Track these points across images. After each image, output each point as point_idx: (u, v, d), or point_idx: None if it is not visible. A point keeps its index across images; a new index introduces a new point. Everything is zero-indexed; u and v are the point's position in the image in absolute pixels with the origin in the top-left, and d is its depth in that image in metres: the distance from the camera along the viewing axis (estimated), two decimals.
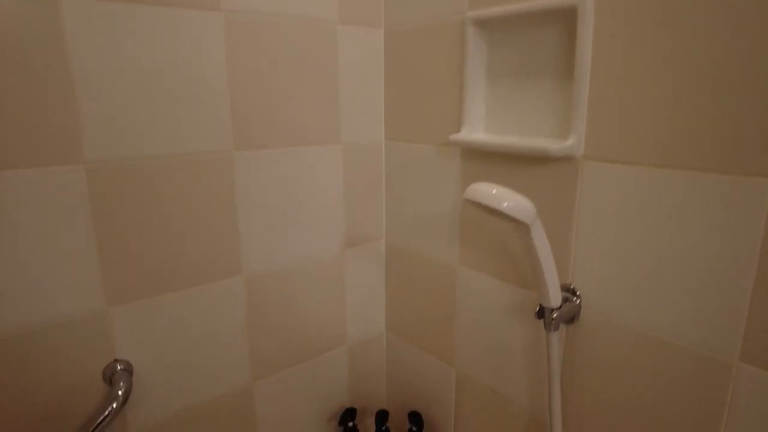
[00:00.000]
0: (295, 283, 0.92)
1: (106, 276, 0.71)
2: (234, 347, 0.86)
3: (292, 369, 0.95)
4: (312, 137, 0.88)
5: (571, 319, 0.72)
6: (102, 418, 0.67)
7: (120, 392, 0.69)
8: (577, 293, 0.71)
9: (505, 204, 0.56)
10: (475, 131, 0.80)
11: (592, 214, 0.68)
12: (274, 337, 0.91)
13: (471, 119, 0.80)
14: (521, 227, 0.60)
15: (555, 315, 0.68)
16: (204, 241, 0.79)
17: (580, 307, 0.71)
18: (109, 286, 0.71)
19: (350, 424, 1.00)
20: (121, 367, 0.73)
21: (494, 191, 0.56)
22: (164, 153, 0.73)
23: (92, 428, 0.66)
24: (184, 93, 0.73)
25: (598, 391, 0.71)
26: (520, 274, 0.78)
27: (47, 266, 0.66)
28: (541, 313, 0.70)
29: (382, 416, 1.01)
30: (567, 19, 0.67)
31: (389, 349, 1.09)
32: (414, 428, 0.98)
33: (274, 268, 0.88)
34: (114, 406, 0.68)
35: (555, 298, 0.68)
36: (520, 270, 0.78)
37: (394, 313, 1.06)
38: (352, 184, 0.96)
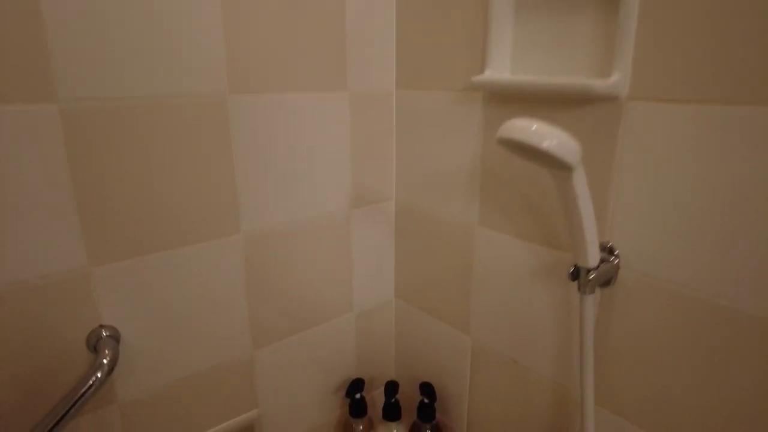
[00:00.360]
0: (297, 244, 0.84)
1: (87, 232, 0.63)
2: (232, 313, 0.79)
3: (295, 337, 0.88)
4: (316, 83, 0.79)
5: (607, 281, 0.65)
6: (86, 388, 0.60)
7: (105, 361, 0.62)
8: (615, 252, 0.64)
9: (548, 142, 0.47)
10: (501, 72, 0.71)
11: (636, 162, 0.59)
12: (276, 303, 0.84)
13: (496, 59, 0.71)
14: (561, 173, 0.52)
15: (592, 276, 0.61)
16: (197, 194, 0.71)
17: (618, 268, 0.64)
18: (90, 243, 0.63)
19: (358, 395, 0.94)
20: (107, 333, 0.66)
21: (534, 127, 0.48)
22: (149, 93, 0.64)
23: (76, 399, 0.60)
24: (172, 23, 0.64)
25: (636, 361, 0.64)
26: (549, 233, 0.71)
27: (17, 220, 0.58)
28: (576, 274, 0.63)
29: (391, 387, 0.94)
30: None
31: (398, 317, 1.03)
32: (426, 400, 0.92)
33: (275, 228, 0.80)
34: (99, 375, 0.61)
35: (593, 256, 0.60)
36: (550, 228, 0.70)
37: (404, 279, 0.99)
38: (359, 138, 0.87)
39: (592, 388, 0.65)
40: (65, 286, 0.63)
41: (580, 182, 0.53)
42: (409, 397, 1.03)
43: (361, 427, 0.95)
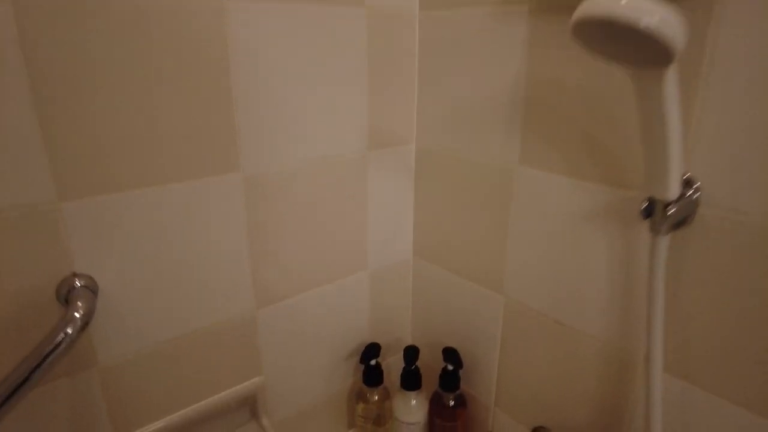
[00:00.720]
0: (306, 189, 0.73)
1: (54, 158, 0.52)
2: (231, 266, 0.68)
3: (302, 296, 0.78)
4: None
5: (681, 221, 0.54)
6: (53, 346, 0.49)
7: (77, 314, 0.51)
8: (695, 185, 0.52)
9: (648, 19, 0.36)
10: None
11: (730, 67, 0.48)
12: (281, 256, 0.73)
13: None
14: (652, 70, 0.41)
15: (671, 211, 0.50)
16: (186, 117, 0.59)
17: (697, 204, 0.53)
18: (58, 172, 0.52)
19: (373, 362, 0.84)
20: (81, 283, 0.55)
21: (625, 0, 0.36)
22: None
23: (42, 359, 0.49)
24: None
25: (711, 318, 0.54)
26: (610, 168, 0.59)
27: None
28: (650, 210, 0.52)
29: (411, 353, 0.84)
30: None
31: (417, 276, 0.92)
32: (449, 366, 0.82)
33: (281, 169, 0.69)
34: (69, 331, 0.50)
35: (673, 186, 0.49)
36: (611, 162, 0.59)
37: (425, 234, 0.88)
38: (377, 66, 0.75)
39: (660, 349, 0.55)
40: (27, 223, 0.51)
41: (672, 83, 0.42)
42: (427, 365, 0.93)
43: (376, 397, 0.86)
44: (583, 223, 0.63)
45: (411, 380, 0.84)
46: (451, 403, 0.83)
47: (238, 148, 0.64)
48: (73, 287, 0.54)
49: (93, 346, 0.59)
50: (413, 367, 0.84)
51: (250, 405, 0.78)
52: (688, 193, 0.52)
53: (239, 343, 0.72)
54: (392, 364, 0.95)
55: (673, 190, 0.49)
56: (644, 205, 0.52)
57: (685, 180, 0.53)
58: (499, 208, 0.73)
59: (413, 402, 0.85)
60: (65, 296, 0.54)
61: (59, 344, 0.49)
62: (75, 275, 0.55)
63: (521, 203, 0.70)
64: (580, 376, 0.69)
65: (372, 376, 0.85)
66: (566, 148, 0.63)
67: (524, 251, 0.71)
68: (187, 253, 0.63)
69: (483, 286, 0.79)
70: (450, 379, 0.82)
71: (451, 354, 0.82)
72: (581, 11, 0.38)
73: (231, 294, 0.69)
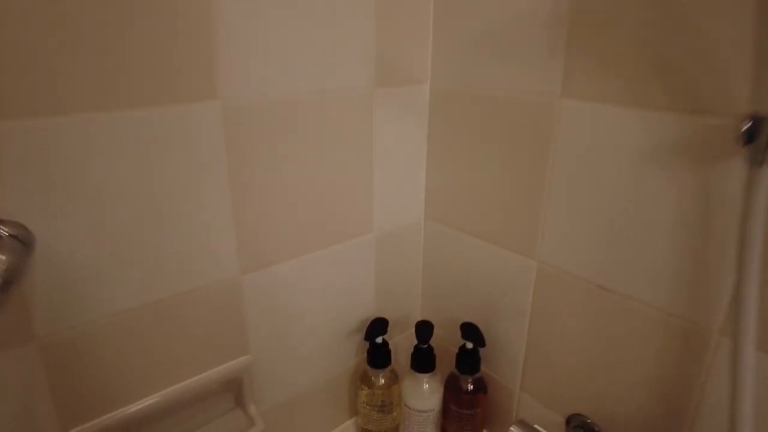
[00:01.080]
0: (299, 128, 0.60)
1: None
2: (208, 220, 0.55)
3: (296, 261, 0.65)
4: None
5: None
6: None
7: None
8: None
9: None
10: None
11: None
12: (270, 212, 0.61)
13: None
14: None
15: None
16: (152, 23, 0.46)
17: None
18: None
19: (379, 339, 0.72)
20: (8, 232, 0.42)
21: None
22: None
23: None
24: None
25: None
26: (686, 89, 0.47)
27: None
28: (754, 132, 0.39)
29: (424, 329, 0.72)
30: None
31: (429, 242, 0.80)
32: (469, 345, 0.70)
33: (269, 99, 0.56)
34: None
35: None
36: (687, 82, 0.46)
37: (439, 194, 0.76)
38: None
39: (754, 320, 0.43)
40: None
41: None
42: (441, 345, 0.81)
43: (382, 381, 0.74)
44: (645, 163, 0.51)
45: (424, 361, 0.72)
46: (470, 387, 0.72)
47: (218, 69, 0.51)
48: None
49: (28, 313, 0.47)
50: (426, 345, 0.72)
51: (234, 390, 0.66)
52: None
53: (220, 316, 0.60)
54: (401, 344, 0.84)
55: None
56: (746, 126, 0.39)
57: None
58: (534, 154, 0.61)
59: (426, 386, 0.73)
60: None
61: None
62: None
63: (563, 146, 0.57)
64: (631, 353, 0.57)
65: (378, 356, 0.73)
66: (626, 69, 0.50)
67: (565, 206, 0.59)
68: (151, 199, 0.51)
69: (510, 250, 0.67)
70: (469, 360, 0.71)
71: (470, 330, 0.71)
72: None
73: (208, 256, 0.57)
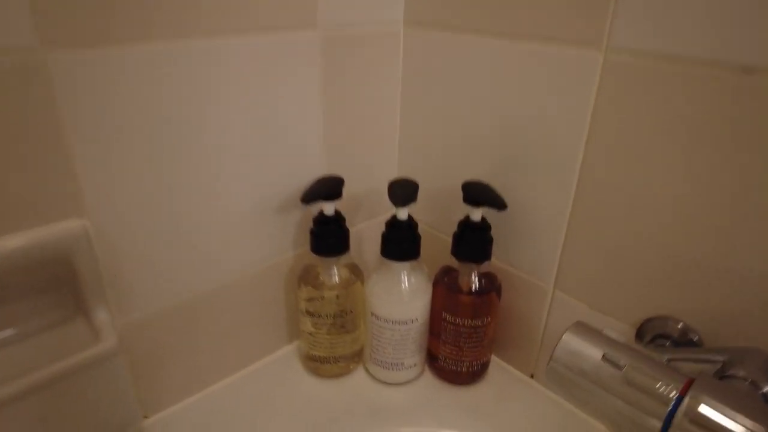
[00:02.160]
0: None
1: None
2: None
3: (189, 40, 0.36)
4: None
5: None
6: None
7: None
8: None
9: None
10: None
11: None
12: None
13: None
14: None
15: None
16: None
17: None
18: None
19: (329, 209, 0.44)
20: None
21: None
22: None
23: None
24: None
25: None
26: None
27: None
28: None
29: (404, 190, 0.44)
30: None
31: (409, 54, 0.51)
32: (475, 215, 0.42)
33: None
34: None
35: None
36: None
37: None
38: None
39: None
40: None
41: None
42: (426, 232, 0.53)
43: (335, 278, 0.46)
44: None
45: (402, 243, 0.44)
46: (475, 285, 0.45)
47: None
48: None
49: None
50: (407, 217, 0.44)
51: (66, 280, 0.37)
52: None
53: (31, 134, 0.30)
54: (366, 233, 0.56)
55: None
56: None
57: None
58: None
59: (405, 284, 0.45)
60: None
61: None
62: None
63: None
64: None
65: (327, 236, 0.45)
66: None
67: None
68: None
69: (553, 42, 0.39)
70: (475, 241, 0.43)
71: (478, 191, 0.43)
72: None
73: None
